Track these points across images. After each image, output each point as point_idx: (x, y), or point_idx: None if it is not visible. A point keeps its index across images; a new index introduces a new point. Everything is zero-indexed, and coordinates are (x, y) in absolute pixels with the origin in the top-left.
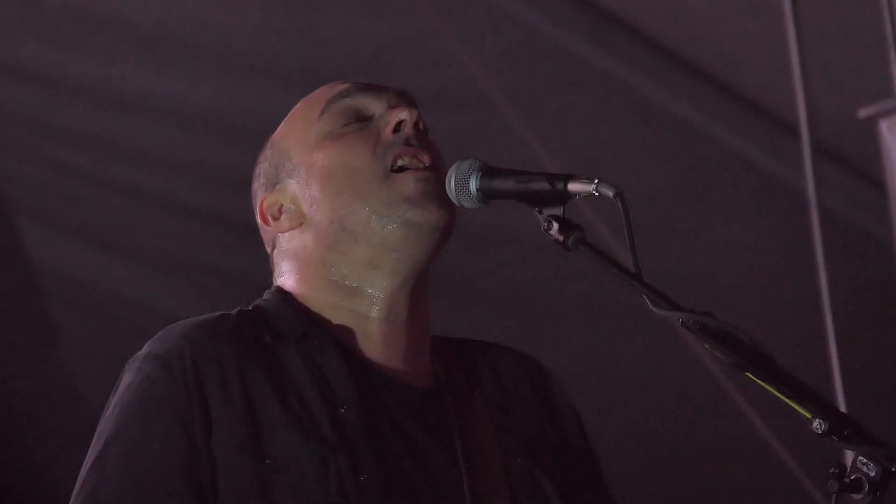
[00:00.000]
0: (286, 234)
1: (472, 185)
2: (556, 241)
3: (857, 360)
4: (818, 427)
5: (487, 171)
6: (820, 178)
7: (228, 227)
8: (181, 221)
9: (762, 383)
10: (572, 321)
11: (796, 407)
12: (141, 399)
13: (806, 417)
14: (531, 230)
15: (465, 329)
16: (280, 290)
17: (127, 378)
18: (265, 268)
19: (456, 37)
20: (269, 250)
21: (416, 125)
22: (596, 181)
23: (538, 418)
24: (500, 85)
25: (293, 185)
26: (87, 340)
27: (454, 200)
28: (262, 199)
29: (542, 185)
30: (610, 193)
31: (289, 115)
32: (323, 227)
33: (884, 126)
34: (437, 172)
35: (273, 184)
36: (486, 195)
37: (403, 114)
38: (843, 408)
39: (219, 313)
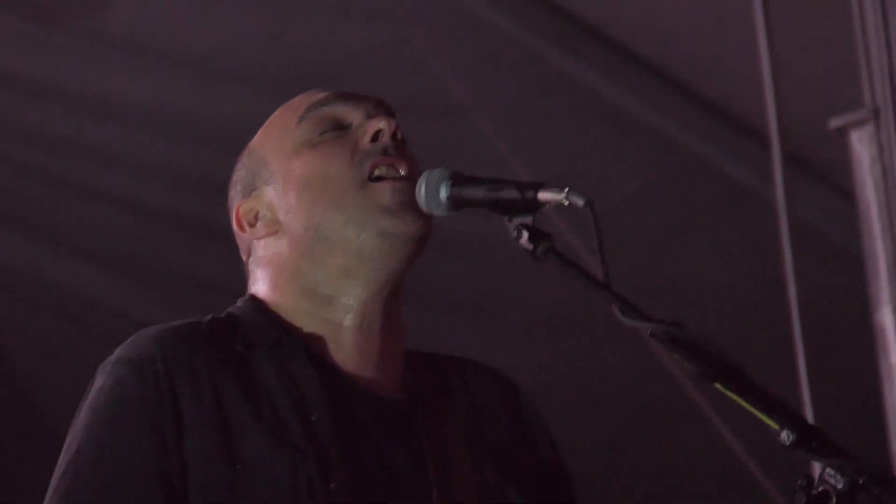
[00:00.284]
0: (262, 241)
1: (443, 193)
2: (526, 249)
3: (826, 372)
4: (786, 438)
5: (458, 180)
6: (790, 188)
7: (199, 232)
8: (151, 226)
9: (731, 394)
10: (541, 330)
11: (764, 418)
12: (112, 403)
13: (774, 428)
14: (500, 238)
15: (432, 337)
16: (253, 297)
17: (98, 381)
18: (237, 274)
19: (429, 44)
20: (244, 257)
21: (393, 135)
22: (566, 190)
23: (509, 432)
24: (472, 93)
25: (270, 192)
26: (54, 345)
27: (424, 208)
28: (238, 205)
29: (512, 194)
30: (580, 202)
31: (266, 122)
32: (298, 234)
33: (854, 136)
34: (413, 182)
35: (249, 190)
36: (456, 203)
37: (381, 123)
38: (811, 419)
39: (191, 320)
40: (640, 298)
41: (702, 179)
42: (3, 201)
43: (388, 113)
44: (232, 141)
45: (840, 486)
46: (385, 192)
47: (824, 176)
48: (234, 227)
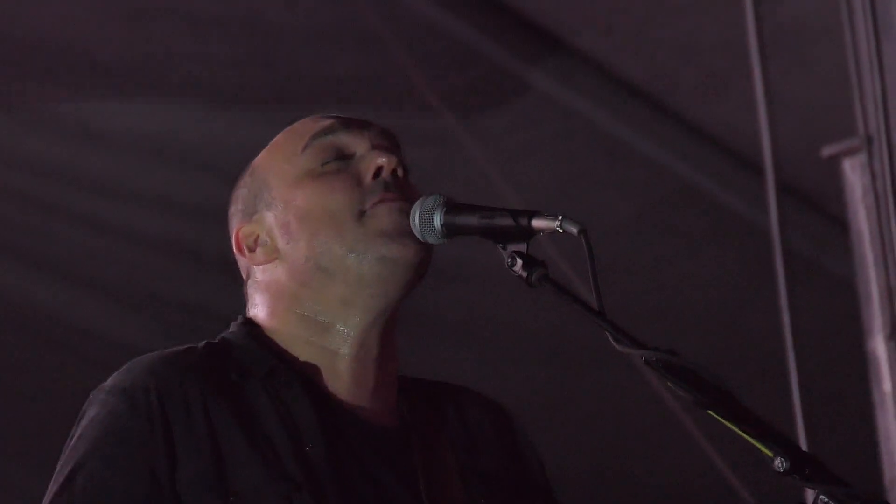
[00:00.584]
0: (261, 267)
1: (437, 220)
2: (520, 276)
3: (820, 399)
4: (780, 465)
5: (452, 207)
6: (784, 216)
7: (191, 259)
8: (144, 252)
9: (724, 421)
10: (534, 357)
11: (758, 445)
12: (105, 433)
13: (768, 456)
14: (494, 265)
15: (424, 363)
16: (248, 322)
17: (91, 411)
18: (228, 299)
19: (419, 71)
20: (244, 277)
21: (393, 171)
22: (560, 218)
23: (502, 461)
24: (464, 119)
25: (270, 218)
26: (47, 373)
27: (418, 236)
28: (238, 227)
29: (506, 221)
30: (574, 230)
31: (271, 143)
32: (298, 263)
33: (847, 165)
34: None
35: (251, 213)
36: (450, 231)
37: (382, 159)
38: (804, 446)
39: (185, 346)
40: (634, 326)
41: (695, 207)
42: None
43: (391, 144)
44: (225, 167)
45: None
46: (382, 216)
47: (817, 204)
48: (234, 248)
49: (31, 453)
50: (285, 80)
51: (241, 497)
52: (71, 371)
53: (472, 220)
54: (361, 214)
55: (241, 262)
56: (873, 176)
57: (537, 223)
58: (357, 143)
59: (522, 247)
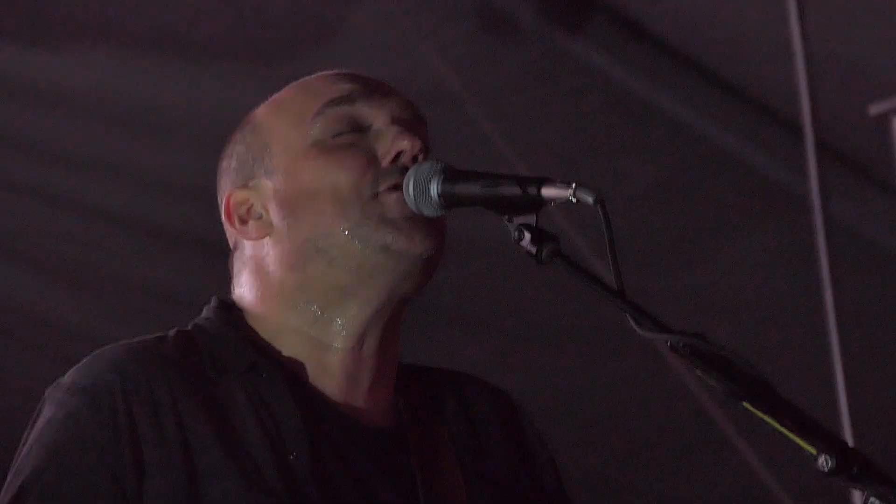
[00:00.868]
0: (251, 241)
1: (434, 189)
2: (529, 253)
3: (867, 387)
4: (824, 464)
5: (450, 175)
6: (825, 182)
7: (155, 236)
8: (101, 228)
9: (760, 414)
10: (544, 344)
11: (799, 441)
12: (63, 439)
13: (810, 454)
14: (499, 241)
15: (422, 353)
16: (226, 306)
17: (48, 411)
18: (198, 281)
19: (413, 22)
20: (231, 246)
21: (414, 158)
22: (574, 185)
23: (509, 459)
24: (462, 76)
25: (268, 188)
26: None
27: (412, 207)
28: (230, 192)
29: (513, 190)
30: (590, 199)
31: (278, 99)
32: (294, 244)
33: None
34: None
35: (246, 178)
36: (448, 201)
37: (404, 143)
38: (850, 441)
39: (154, 337)
40: (657, 308)
41: (726, 173)
42: None
43: (414, 117)
44: (190, 134)
45: None
46: (391, 204)
47: (863, 168)
48: (223, 214)
49: None
50: (271, 20)
51: None
52: (20, 364)
53: (474, 188)
54: (371, 198)
55: (230, 231)
56: None
57: (548, 192)
58: (375, 115)
59: (531, 219)
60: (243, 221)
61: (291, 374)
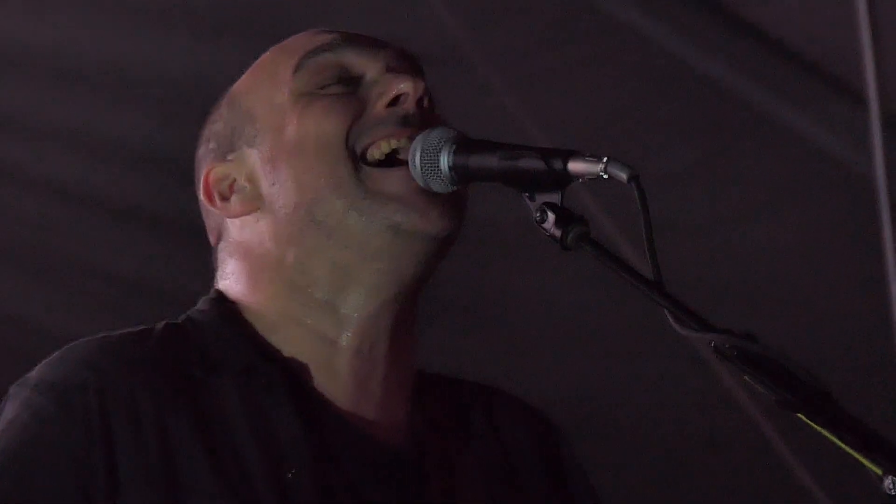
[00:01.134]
0: (237, 221)
1: (444, 161)
2: (552, 236)
3: None
4: (891, 487)
5: (464, 145)
6: (891, 158)
7: (126, 218)
8: (64, 209)
9: (818, 428)
10: (567, 343)
11: (863, 460)
12: (27, 443)
13: (875, 474)
14: (516, 223)
15: (426, 352)
16: (221, 298)
17: (10, 409)
18: (174, 271)
19: None
20: (212, 240)
21: (419, 101)
22: (605, 160)
23: (544, 490)
24: (476, 36)
25: (253, 157)
26: None
27: (419, 181)
28: (208, 169)
29: (536, 164)
30: (623, 176)
31: (255, 65)
32: (286, 213)
33: None
34: None
35: (226, 152)
36: (461, 176)
37: (405, 84)
38: None
39: (138, 330)
40: (697, 302)
41: (779, 149)
42: None
43: (413, 68)
44: (159, 97)
45: None
46: (394, 178)
47: None
48: (202, 197)
49: None
50: None
51: None
52: None
53: (491, 161)
54: (363, 154)
55: (211, 215)
56: None
57: (575, 166)
58: (367, 64)
59: (556, 197)
60: (224, 198)
61: (293, 376)
